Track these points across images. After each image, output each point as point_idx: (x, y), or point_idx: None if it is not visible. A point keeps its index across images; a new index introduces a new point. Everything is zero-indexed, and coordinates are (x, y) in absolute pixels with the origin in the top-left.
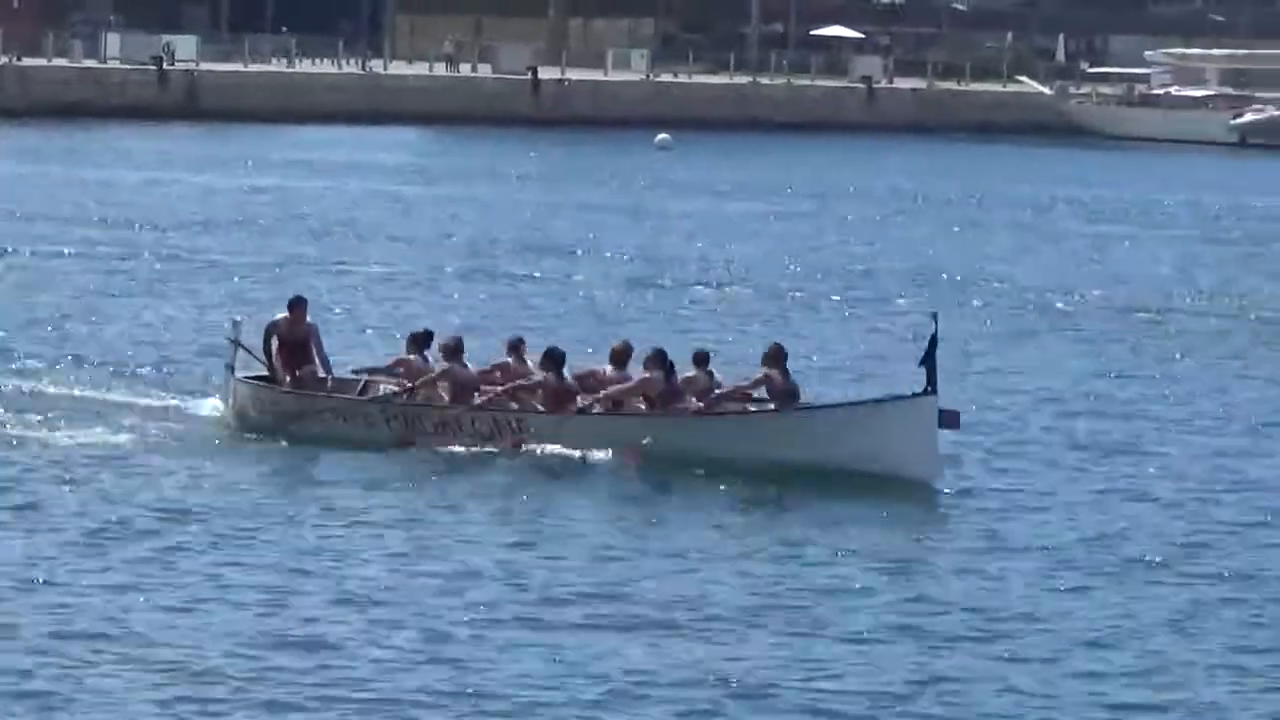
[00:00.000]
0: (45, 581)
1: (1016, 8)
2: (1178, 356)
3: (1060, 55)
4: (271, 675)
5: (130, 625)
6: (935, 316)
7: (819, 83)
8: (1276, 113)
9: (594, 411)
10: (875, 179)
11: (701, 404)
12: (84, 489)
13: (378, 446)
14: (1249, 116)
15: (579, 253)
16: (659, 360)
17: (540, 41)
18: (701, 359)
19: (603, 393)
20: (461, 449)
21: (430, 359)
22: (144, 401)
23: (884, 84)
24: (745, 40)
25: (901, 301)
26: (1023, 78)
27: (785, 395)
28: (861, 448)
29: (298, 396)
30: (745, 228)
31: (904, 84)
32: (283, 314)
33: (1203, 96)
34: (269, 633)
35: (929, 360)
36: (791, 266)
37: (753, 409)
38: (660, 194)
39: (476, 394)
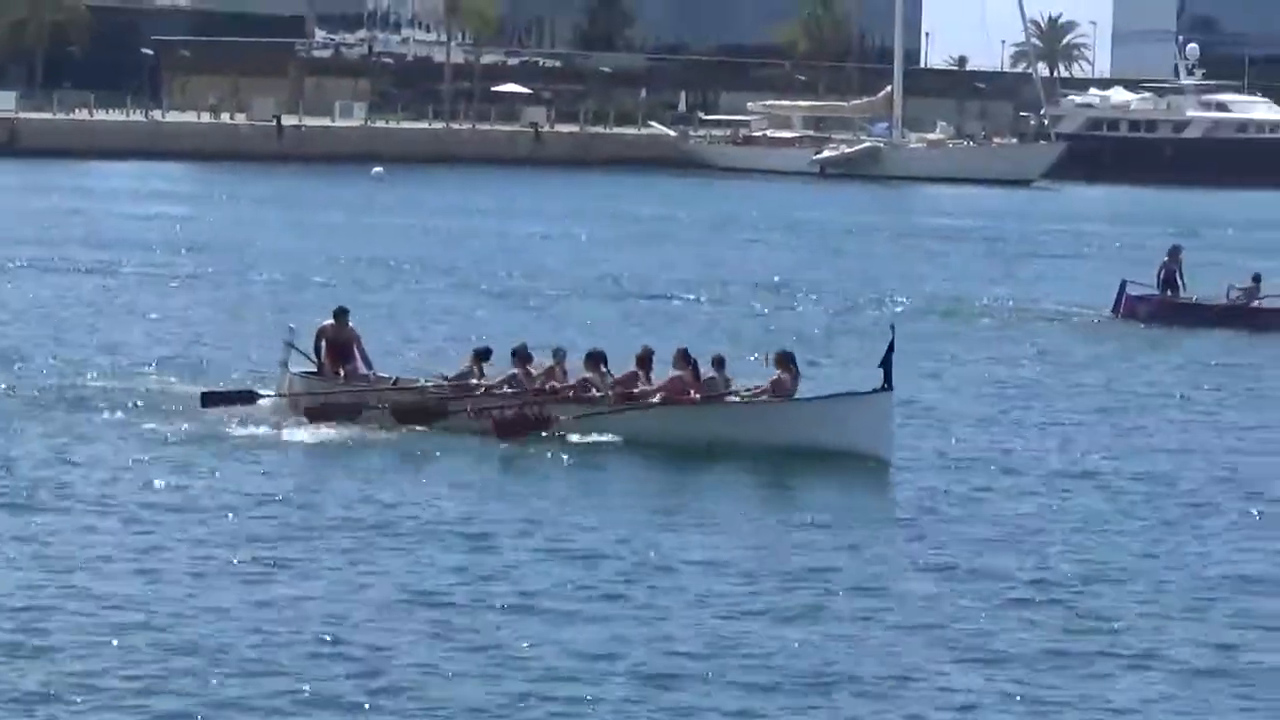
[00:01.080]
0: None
1: (648, 70)
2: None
3: (682, 106)
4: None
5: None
6: (893, 326)
7: (498, 127)
8: (847, 149)
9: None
10: (542, 201)
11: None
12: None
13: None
14: (826, 153)
15: (307, 258)
16: (685, 358)
17: (283, 95)
18: (718, 362)
19: (642, 388)
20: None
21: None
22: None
23: (548, 128)
24: (440, 95)
25: (551, 291)
26: (653, 123)
27: (788, 394)
28: (834, 432)
29: (350, 390)
30: (444, 239)
31: (563, 129)
32: (329, 321)
33: (791, 137)
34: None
35: (886, 362)
36: (480, 265)
37: (747, 400)
38: (375, 213)
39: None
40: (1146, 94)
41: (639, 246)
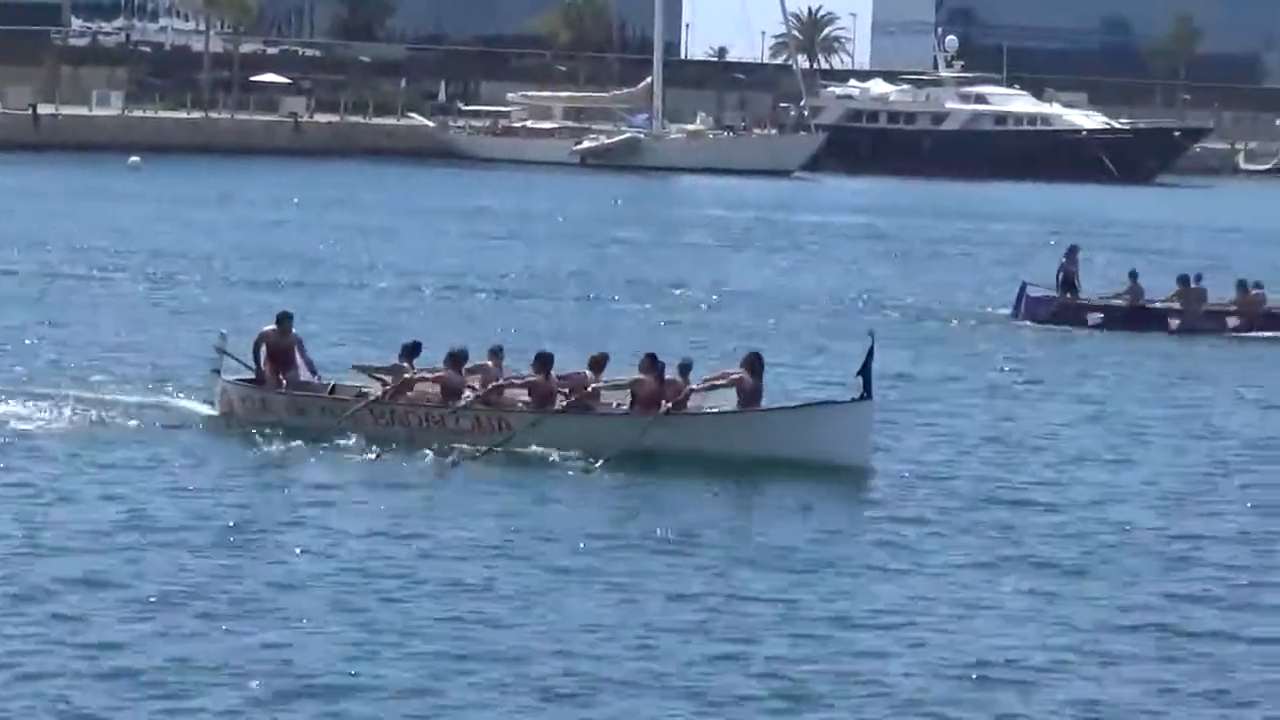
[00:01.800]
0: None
1: (408, 60)
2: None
3: (441, 96)
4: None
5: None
6: (872, 334)
7: (257, 117)
8: (607, 140)
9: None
10: (300, 190)
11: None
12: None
13: (361, 440)
14: (586, 143)
15: (59, 245)
16: (652, 364)
17: (39, 84)
18: (685, 368)
19: (591, 388)
20: (449, 444)
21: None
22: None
23: (307, 118)
24: (199, 84)
25: (311, 280)
26: (413, 114)
27: (752, 397)
28: (813, 441)
29: (292, 396)
30: (203, 226)
31: (322, 118)
32: (271, 326)
33: (551, 128)
34: (252, 628)
35: (865, 371)
36: (242, 255)
37: (719, 409)
38: (130, 202)
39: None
40: (905, 86)
41: (396, 237)
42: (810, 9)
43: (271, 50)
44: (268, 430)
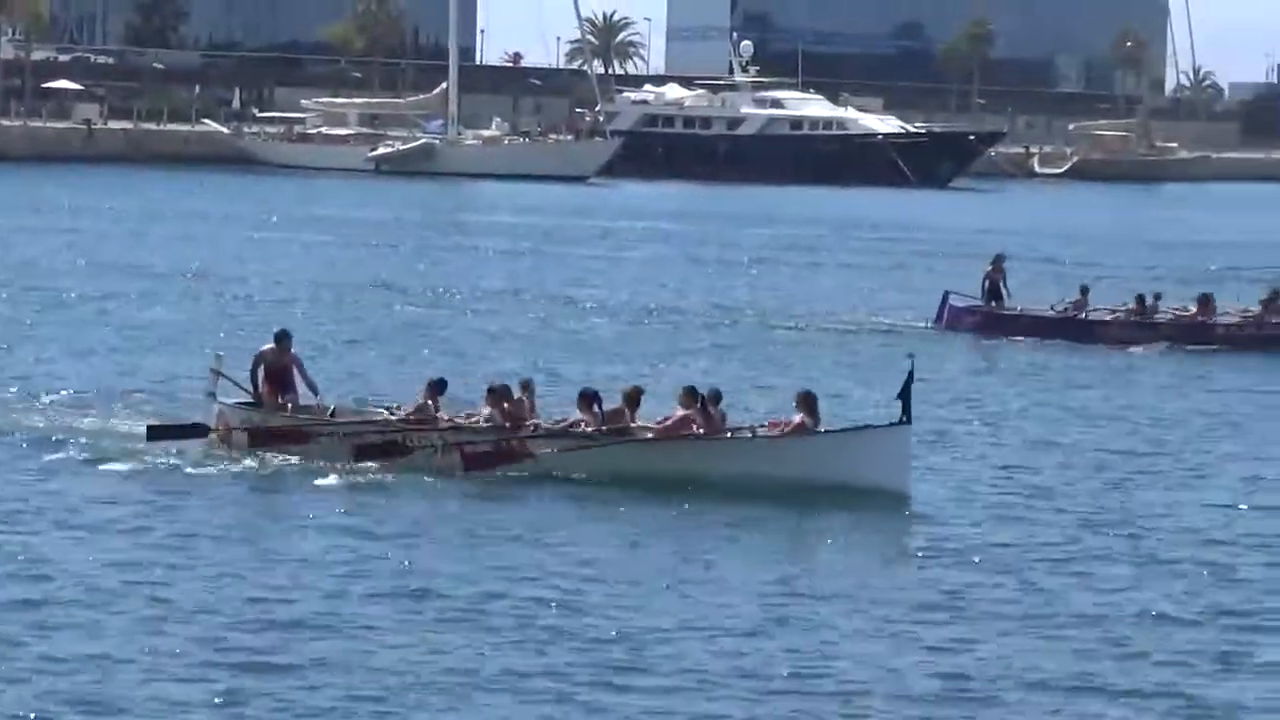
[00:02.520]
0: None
1: (202, 67)
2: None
3: (236, 103)
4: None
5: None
6: (911, 356)
7: (50, 124)
8: (402, 146)
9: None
10: (95, 199)
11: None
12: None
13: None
14: (381, 150)
15: None
16: (692, 395)
17: None
18: (715, 398)
19: (640, 426)
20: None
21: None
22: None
23: (100, 125)
24: None
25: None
26: (207, 120)
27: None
28: (850, 467)
29: (298, 420)
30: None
31: (116, 125)
32: (269, 345)
33: (346, 135)
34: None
35: (905, 393)
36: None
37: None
38: None
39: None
40: (701, 91)
41: (190, 244)
42: (605, 14)
43: (64, 57)
44: (268, 456)
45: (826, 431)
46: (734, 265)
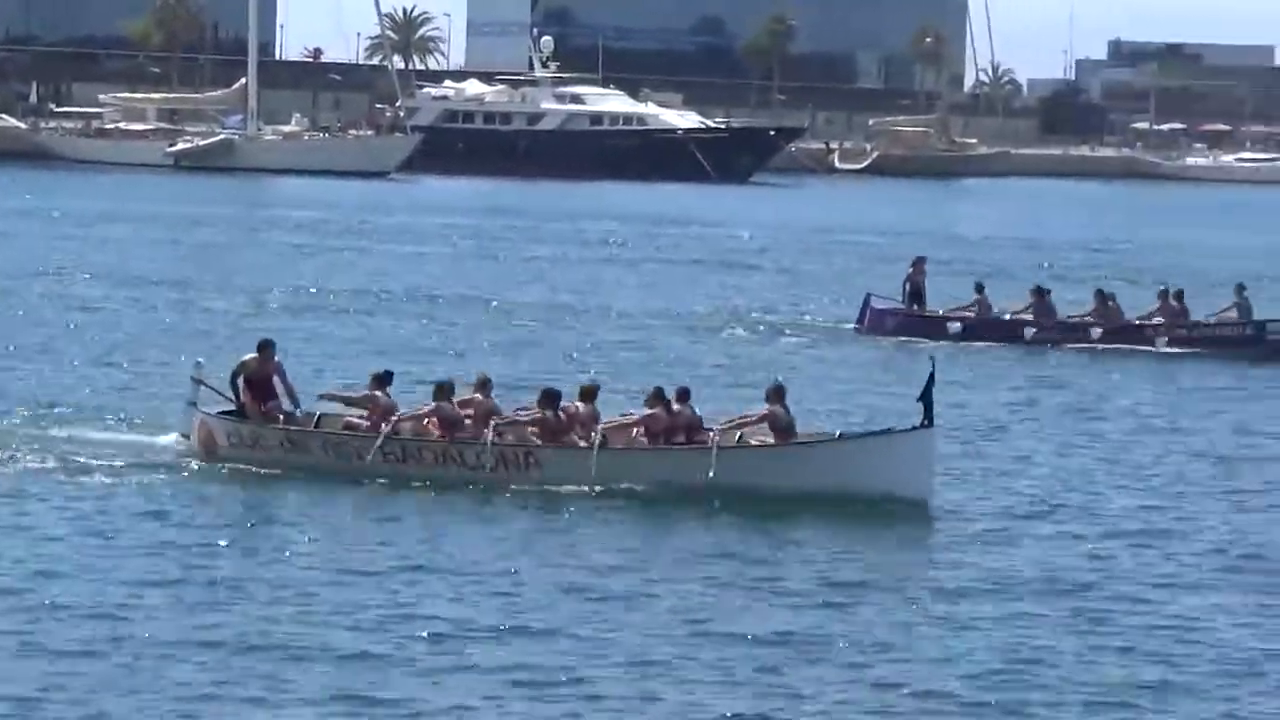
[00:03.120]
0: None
1: None
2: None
3: (33, 98)
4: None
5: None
6: (932, 360)
7: None
8: (201, 142)
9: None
10: None
11: (688, 439)
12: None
13: (365, 477)
14: (180, 145)
15: None
16: (659, 396)
17: None
18: (683, 395)
19: (602, 426)
20: (461, 480)
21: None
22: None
23: None
24: None
25: None
26: (4, 115)
27: (787, 429)
28: (871, 472)
29: (288, 430)
30: None
31: None
32: (251, 354)
33: (145, 130)
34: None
35: (926, 397)
36: None
37: (766, 441)
38: None
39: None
40: (501, 86)
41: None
42: (405, 9)
43: None
44: (256, 467)
45: (850, 436)
46: (531, 261)
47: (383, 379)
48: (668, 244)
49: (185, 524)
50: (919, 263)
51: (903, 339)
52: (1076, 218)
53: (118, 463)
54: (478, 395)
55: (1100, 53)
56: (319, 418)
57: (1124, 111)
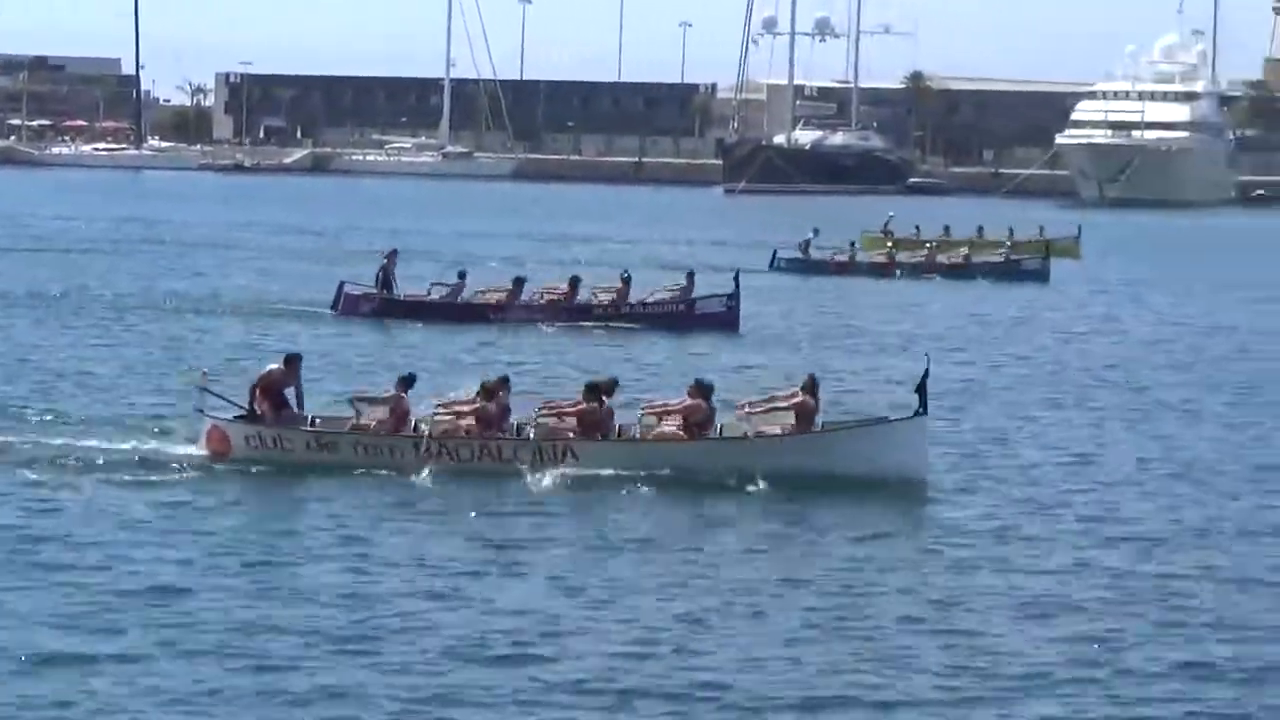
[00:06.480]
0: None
1: None
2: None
3: None
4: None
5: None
6: (927, 355)
7: None
8: None
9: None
10: None
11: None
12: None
13: (404, 475)
14: None
15: None
16: (700, 389)
17: None
18: (707, 390)
19: (644, 411)
20: (504, 474)
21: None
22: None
23: None
24: None
25: None
26: None
27: (810, 418)
28: (874, 455)
29: (317, 433)
30: None
31: None
32: (276, 365)
33: None
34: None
35: (921, 388)
36: None
37: (787, 431)
38: None
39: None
40: None
41: None
42: None
43: None
44: (275, 470)
45: (848, 425)
46: None
47: (407, 381)
48: None
49: (211, 526)
50: (391, 255)
51: (376, 321)
52: None
53: (128, 473)
54: (499, 392)
55: None
56: (312, 419)
57: (4, 111)
